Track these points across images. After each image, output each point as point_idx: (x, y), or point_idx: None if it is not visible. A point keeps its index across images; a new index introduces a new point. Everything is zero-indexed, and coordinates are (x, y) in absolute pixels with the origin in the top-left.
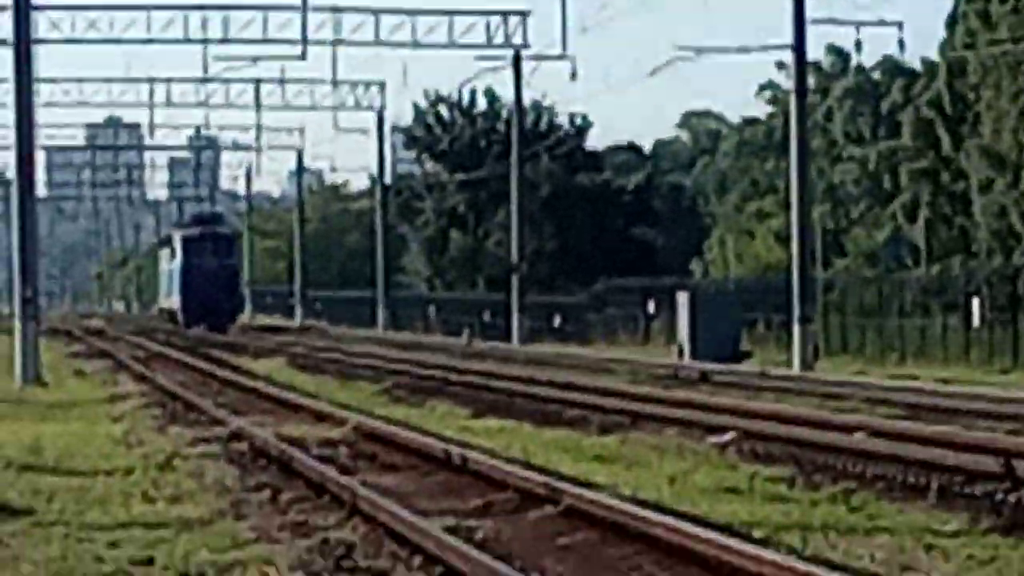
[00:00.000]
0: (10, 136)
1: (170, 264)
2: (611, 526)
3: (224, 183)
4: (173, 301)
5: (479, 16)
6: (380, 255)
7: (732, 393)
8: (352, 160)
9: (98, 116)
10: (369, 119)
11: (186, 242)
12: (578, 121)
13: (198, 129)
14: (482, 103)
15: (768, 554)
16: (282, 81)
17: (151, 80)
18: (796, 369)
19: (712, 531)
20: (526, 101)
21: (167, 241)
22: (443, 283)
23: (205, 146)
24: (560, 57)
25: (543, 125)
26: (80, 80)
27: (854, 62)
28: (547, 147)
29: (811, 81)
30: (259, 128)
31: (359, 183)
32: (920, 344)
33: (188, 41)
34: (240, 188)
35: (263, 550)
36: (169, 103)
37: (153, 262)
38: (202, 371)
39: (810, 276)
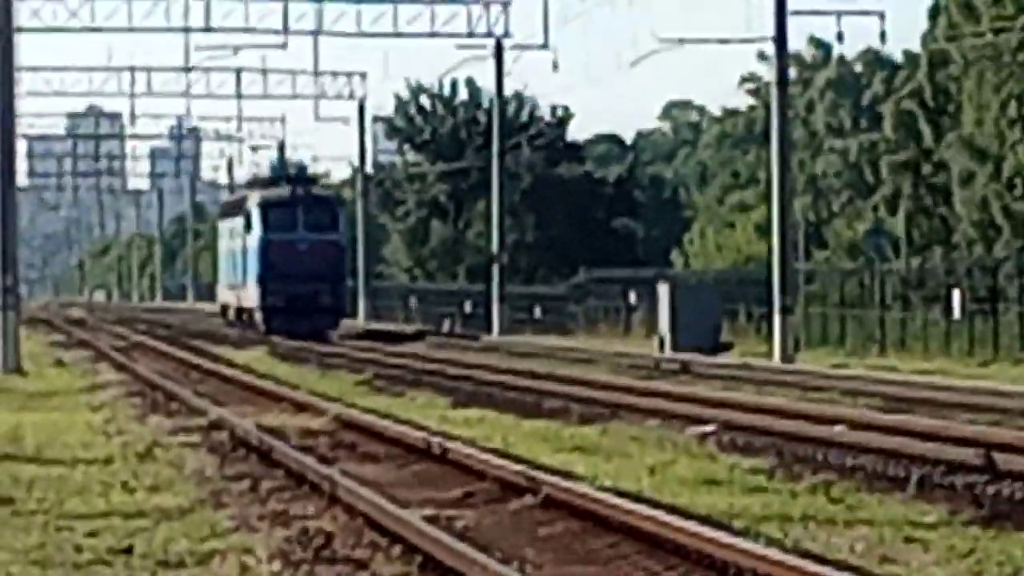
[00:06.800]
0: None
1: (242, 241)
2: (591, 517)
3: (205, 173)
4: (247, 295)
5: (460, 5)
6: (361, 245)
7: (713, 384)
8: (333, 150)
9: (79, 105)
10: (350, 109)
11: (269, 208)
12: (559, 112)
13: (179, 119)
14: (463, 93)
15: (748, 545)
16: (264, 71)
17: (132, 69)
18: (777, 361)
19: (692, 522)
20: (507, 91)
21: (236, 208)
22: (424, 273)
23: (186, 136)
24: (542, 47)
25: (524, 116)
26: (61, 69)
27: (836, 53)
28: (528, 138)
29: (792, 72)
30: (240, 118)
31: (340, 173)
32: (901, 336)
33: (169, 30)
34: (221, 178)
35: (242, 540)
36: (150, 92)
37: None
38: (182, 361)
39: (791, 267)
